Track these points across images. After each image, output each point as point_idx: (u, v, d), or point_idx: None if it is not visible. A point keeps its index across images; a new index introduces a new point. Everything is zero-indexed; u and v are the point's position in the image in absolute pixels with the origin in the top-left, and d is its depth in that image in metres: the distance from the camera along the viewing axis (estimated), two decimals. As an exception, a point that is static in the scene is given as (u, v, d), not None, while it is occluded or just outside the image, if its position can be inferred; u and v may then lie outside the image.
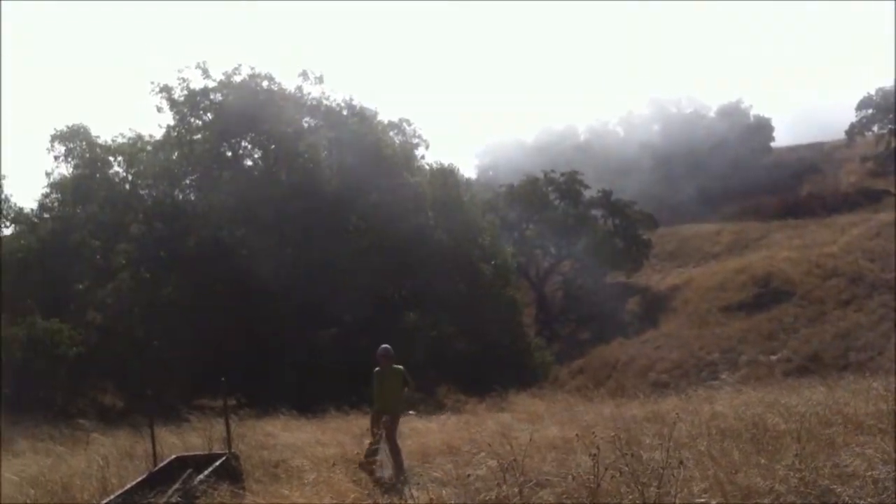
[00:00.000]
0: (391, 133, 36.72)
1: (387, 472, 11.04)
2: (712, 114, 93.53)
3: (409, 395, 12.17)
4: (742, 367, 34.10)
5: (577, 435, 9.24)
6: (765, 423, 10.02)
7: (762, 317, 38.11)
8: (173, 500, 8.88)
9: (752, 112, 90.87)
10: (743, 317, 39.07)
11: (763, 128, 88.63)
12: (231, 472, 10.08)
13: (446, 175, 37.03)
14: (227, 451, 10.82)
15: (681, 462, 7.47)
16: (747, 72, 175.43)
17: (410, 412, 15.36)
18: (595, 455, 7.52)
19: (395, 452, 11.18)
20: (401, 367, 11.96)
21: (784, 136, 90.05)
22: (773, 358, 34.38)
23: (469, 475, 8.74)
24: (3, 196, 33.30)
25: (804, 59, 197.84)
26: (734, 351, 36.16)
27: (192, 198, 34.89)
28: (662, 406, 14.03)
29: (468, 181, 40.06)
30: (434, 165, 37.63)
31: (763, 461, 8.01)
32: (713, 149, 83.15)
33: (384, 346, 12.08)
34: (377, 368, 12.00)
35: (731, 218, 64.44)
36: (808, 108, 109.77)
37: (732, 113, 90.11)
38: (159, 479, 10.05)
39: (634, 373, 37.00)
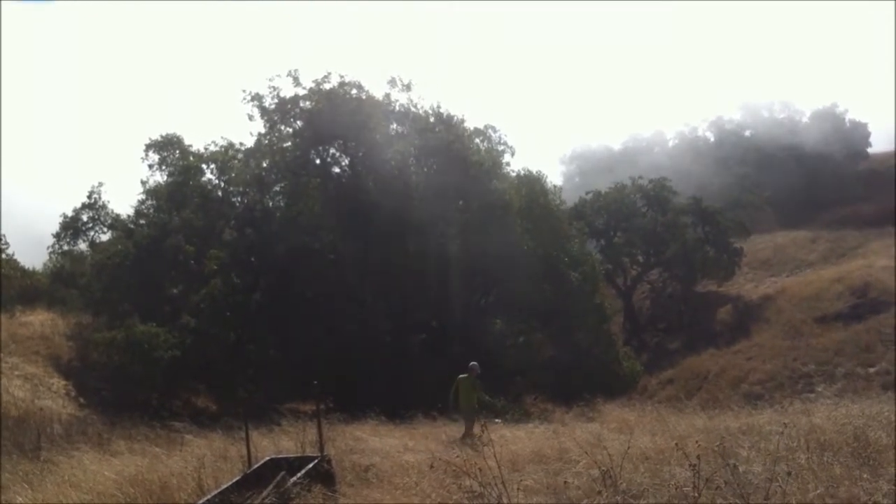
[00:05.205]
0: (477, 140, 36.54)
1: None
2: (806, 119, 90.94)
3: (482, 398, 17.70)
4: (839, 379, 33.14)
5: (676, 444, 9.00)
6: (866, 436, 9.74)
7: (860, 327, 36.87)
8: (268, 501, 8.96)
9: (848, 116, 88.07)
10: (840, 327, 37.88)
11: (859, 132, 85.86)
12: (324, 475, 10.16)
13: (533, 182, 36.72)
14: (319, 455, 10.91)
15: (789, 473, 7.23)
16: (843, 75, 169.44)
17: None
18: (695, 466, 7.35)
19: (470, 433, 16.38)
20: (478, 380, 17.40)
21: (882, 142, 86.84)
22: (872, 370, 33.27)
23: (566, 482, 8.58)
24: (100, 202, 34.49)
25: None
26: (830, 363, 35.11)
27: (282, 204, 35.38)
28: (757, 418, 13.67)
29: (555, 188, 39.54)
30: (520, 172, 37.39)
31: (865, 475, 7.87)
32: (807, 154, 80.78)
33: (475, 363, 17.38)
34: (464, 375, 17.06)
35: (826, 226, 62.49)
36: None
37: (827, 117, 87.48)
38: (254, 480, 10.18)
39: (726, 384, 36.14)
